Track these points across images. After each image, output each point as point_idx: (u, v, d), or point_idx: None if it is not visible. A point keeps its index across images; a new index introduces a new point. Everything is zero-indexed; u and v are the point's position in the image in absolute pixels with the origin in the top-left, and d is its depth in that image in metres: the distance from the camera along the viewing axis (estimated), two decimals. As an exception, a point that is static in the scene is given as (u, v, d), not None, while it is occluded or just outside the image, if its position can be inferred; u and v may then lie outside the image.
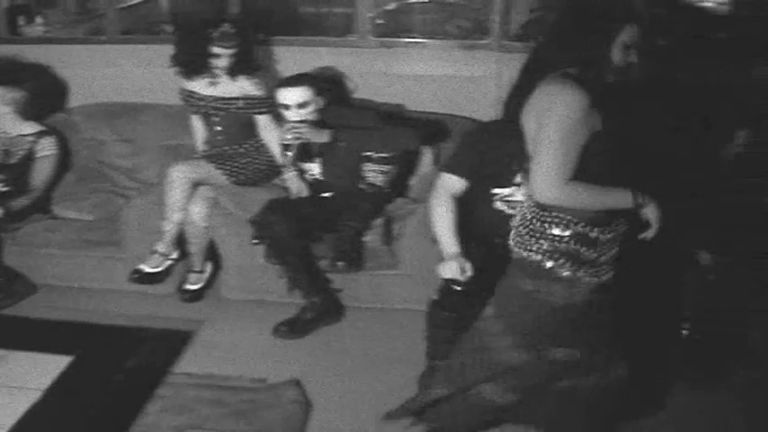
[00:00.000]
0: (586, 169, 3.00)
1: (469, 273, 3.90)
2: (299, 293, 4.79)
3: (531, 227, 3.18)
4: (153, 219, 5.00)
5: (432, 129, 5.26)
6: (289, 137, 4.64)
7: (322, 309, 4.81)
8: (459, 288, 3.91)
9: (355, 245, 4.75)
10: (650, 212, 3.15)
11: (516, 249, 3.27)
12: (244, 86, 5.10)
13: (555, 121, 2.94)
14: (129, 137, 5.76)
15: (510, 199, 4.20)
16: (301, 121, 4.67)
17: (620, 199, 3.08)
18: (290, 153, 4.67)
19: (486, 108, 5.41)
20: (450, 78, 5.65)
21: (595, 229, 3.09)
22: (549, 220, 3.11)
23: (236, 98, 5.11)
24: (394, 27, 5.80)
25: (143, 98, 5.82)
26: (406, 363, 4.33)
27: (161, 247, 5.00)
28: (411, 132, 4.85)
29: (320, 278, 4.86)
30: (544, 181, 2.97)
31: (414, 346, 4.20)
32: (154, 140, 5.69)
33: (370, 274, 4.88)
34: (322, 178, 4.95)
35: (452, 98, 5.59)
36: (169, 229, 4.98)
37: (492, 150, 4.10)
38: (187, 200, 4.95)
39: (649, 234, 3.20)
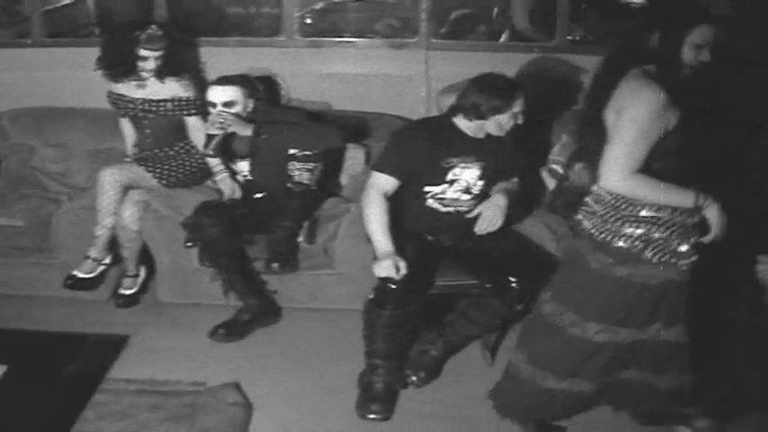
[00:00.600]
0: (655, 165, 3.22)
1: (404, 271, 3.95)
2: (234, 296, 4.80)
3: (620, 213, 3.33)
4: (85, 224, 4.95)
5: (357, 127, 5.32)
6: (212, 127, 4.66)
7: (258, 310, 4.82)
8: (394, 286, 3.95)
9: (290, 246, 4.77)
10: (711, 215, 3.24)
11: (602, 237, 3.39)
12: (172, 88, 5.08)
13: (632, 116, 3.15)
14: (58, 141, 5.68)
15: (442, 197, 4.27)
16: (226, 111, 4.70)
17: (681, 197, 3.24)
18: (212, 143, 4.66)
19: (416, 106, 5.48)
20: (380, 77, 5.69)
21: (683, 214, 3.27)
22: (639, 203, 3.28)
23: (165, 100, 5.08)
24: (323, 26, 5.81)
25: (71, 102, 5.75)
26: (344, 362, 4.37)
27: (94, 253, 4.96)
28: (334, 130, 4.90)
29: (255, 280, 4.86)
30: (612, 169, 3.21)
31: (352, 345, 4.23)
32: (84, 145, 5.63)
33: (305, 275, 4.89)
34: (252, 178, 4.97)
35: (382, 97, 5.63)
36: (101, 233, 4.94)
37: (423, 148, 4.16)
38: (118, 204, 4.92)
39: (708, 238, 3.29)
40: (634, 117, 3.15)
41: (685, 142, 3.23)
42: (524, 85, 4.29)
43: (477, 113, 4.14)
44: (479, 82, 4.19)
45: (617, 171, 3.20)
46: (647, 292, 3.38)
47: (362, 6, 5.83)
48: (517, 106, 4.15)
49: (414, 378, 4.23)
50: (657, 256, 3.31)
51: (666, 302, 3.42)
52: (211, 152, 4.69)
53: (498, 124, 4.17)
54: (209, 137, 4.65)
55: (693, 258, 3.32)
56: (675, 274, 3.35)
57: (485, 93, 4.12)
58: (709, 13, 3.18)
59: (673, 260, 3.31)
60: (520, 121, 4.21)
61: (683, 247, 3.29)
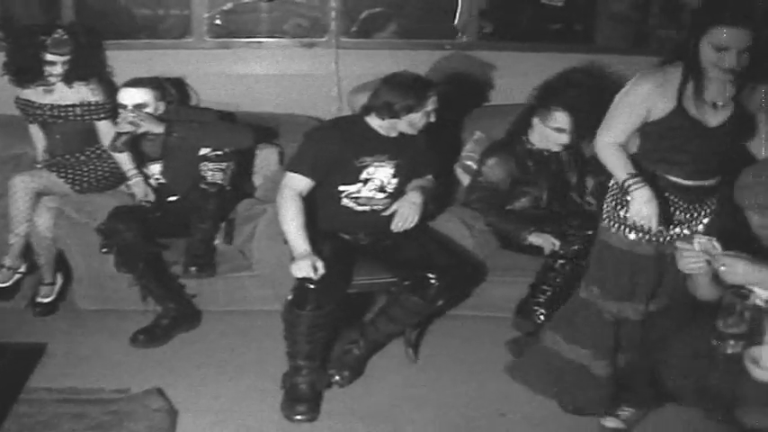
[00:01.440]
0: (646, 144, 3.68)
1: (322, 270, 3.97)
2: (153, 301, 4.78)
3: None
4: (-3, 232, 4.91)
5: (269, 127, 5.35)
6: (123, 123, 4.67)
7: (178, 315, 4.79)
8: (312, 286, 3.97)
9: (207, 249, 4.77)
10: (631, 197, 3.55)
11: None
12: (80, 93, 5.05)
13: (620, 94, 3.62)
14: (-34, 149, 5.57)
15: (357, 196, 4.31)
16: (137, 107, 4.71)
17: (616, 172, 3.63)
18: (120, 139, 4.67)
19: (328, 105, 5.51)
20: (291, 77, 5.71)
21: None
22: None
23: (74, 105, 5.04)
24: (232, 27, 5.80)
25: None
26: (268, 364, 4.39)
27: (8, 261, 4.92)
28: (245, 129, 4.94)
29: (173, 284, 4.85)
30: (598, 132, 3.70)
31: (274, 346, 4.25)
32: (-7, 152, 5.53)
33: (224, 278, 4.90)
34: (165, 181, 4.96)
35: (293, 97, 5.65)
36: (15, 241, 4.90)
37: (336, 148, 4.20)
38: (31, 211, 4.88)
39: (630, 218, 3.58)
40: (621, 95, 3.61)
41: (668, 133, 3.56)
42: (436, 84, 4.35)
43: (389, 112, 4.19)
44: (391, 81, 4.24)
45: (598, 134, 3.68)
46: (621, 257, 3.67)
47: (271, 6, 5.83)
48: (430, 105, 4.21)
49: (338, 377, 4.24)
50: (608, 223, 3.69)
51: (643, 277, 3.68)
52: (119, 147, 4.69)
53: (411, 123, 4.23)
54: (119, 134, 4.66)
55: (644, 235, 3.57)
56: (632, 245, 3.64)
57: (397, 92, 4.17)
58: (725, 16, 3.31)
59: (622, 229, 3.62)
60: (432, 120, 4.27)
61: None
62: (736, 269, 3.06)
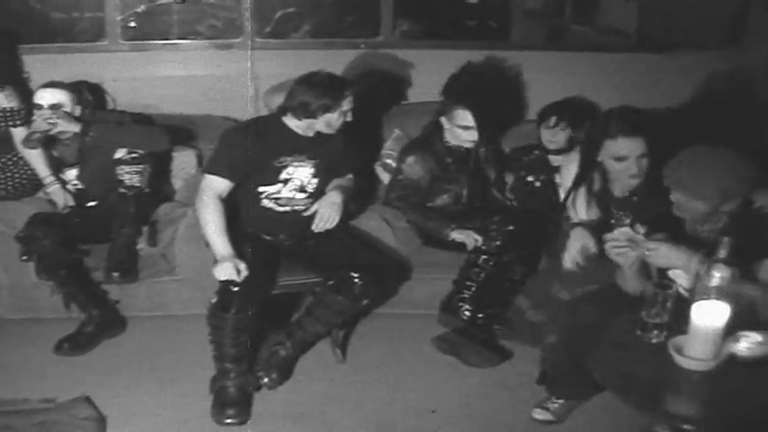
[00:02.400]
0: None
1: (245, 272, 4.00)
2: (76, 308, 4.74)
3: None
4: None
5: (185, 129, 5.37)
6: (39, 122, 4.65)
7: (102, 321, 4.76)
8: (236, 288, 3.99)
9: (130, 253, 4.74)
10: (572, 237, 4.12)
11: None
12: (-6, 99, 4.98)
13: None
14: None
15: (277, 196, 4.32)
16: (53, 108, 4.70)
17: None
18: (33, 137, 4.65)
19: (244, 106, 5.51)
20: (206, 78, 5.72)
21: None
22: None
23: (-12, 111, 4.98)
24: (146, 30, 5.75)
25: None
26: (195, 368, 4.38)
27: (-75, 273, 4.84)
28: (161, 130, 4.94)
29: (96, 290, 4.82)
30: None
31: (201, 350, 4.24)
32: None
33: (147, 283, 4.87)
34: (82, 186, 4.94)
35: (209, 98, 5.66)
36: (-69, 252, 4.83)
37: (253, 148, 4.21)
38: (-53, 220, 4.81)
39: None
40: None
41: None
42: (352, 82, 4.38)
43: (306, 113, 4.21)
44: (307, 81, 4.26)
45: None
46: None
47: (185, 8, 5.78)
48: (346, 104, 4.24)
49: (266, 380, 4.24)
50: None
51: None
52: (32, 143, 4.67)
53: (328, 123, 4.26)
54: (33, 132, 4.65)
55: None
56: None
57: (313, 92, 4.19)
58: (617, 128, 3.87)
59: None
60: (350, 119, 4.30)
61: None
62: (660, 252, 3.18)
